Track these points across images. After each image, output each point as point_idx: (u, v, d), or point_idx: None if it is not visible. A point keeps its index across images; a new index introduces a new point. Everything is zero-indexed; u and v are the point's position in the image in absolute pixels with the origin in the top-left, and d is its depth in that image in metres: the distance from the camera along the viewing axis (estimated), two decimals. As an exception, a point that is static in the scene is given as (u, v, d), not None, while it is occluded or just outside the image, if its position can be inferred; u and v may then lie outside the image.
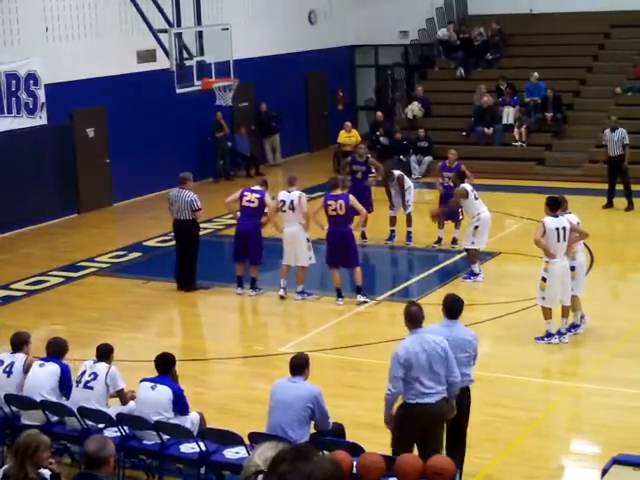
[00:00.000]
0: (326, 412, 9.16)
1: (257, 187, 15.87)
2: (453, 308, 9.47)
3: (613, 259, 17.45)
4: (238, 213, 15.98)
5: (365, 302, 15.31)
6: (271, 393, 9.29)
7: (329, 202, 15.23)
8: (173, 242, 17.09)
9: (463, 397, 9.37)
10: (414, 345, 8.83)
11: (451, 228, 17.88)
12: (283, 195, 15.66)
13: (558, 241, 13.01)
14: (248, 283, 15.96)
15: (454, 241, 17.95)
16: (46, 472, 7.29)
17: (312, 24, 28.91)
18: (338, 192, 15.27)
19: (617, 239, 19.32)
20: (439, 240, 18.10)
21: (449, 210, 17.15)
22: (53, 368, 10.12)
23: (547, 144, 25.29)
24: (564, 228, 13.05)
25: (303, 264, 15.57)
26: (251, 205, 15.65)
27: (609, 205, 20.65)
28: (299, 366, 9.21)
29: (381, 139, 25.78)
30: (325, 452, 8.46)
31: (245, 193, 15.75)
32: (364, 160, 19.00)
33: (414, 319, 8.95)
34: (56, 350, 10.26)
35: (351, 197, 15.29)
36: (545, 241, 12.99)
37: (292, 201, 15.47)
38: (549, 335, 13.29)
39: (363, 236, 18.36)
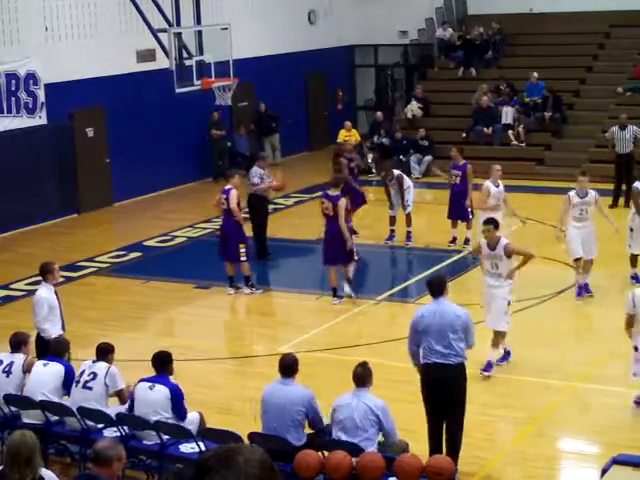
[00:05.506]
0: (320, 415, 9.18)
1: (227, 186, 16.05)
2: (430, 287, 9.91)
3: (616, 259, 17.39)
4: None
5: (350, 297, 15.26)
6: (262, 398, 9.27)
7: (322, 200, 15.38)
8: (173, 242, 17.18)
9: (457, 372, 9.46)
10: (349, 401, 8.94)
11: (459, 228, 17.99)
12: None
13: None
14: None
15: (467, 241, 17.96)
16: (46, 472, 7.29)
17: (312, 24, 28.89)
18: (332, 192, 15.32)
19: (621, 239, 19.26)
20: (454, 239, 18.12)
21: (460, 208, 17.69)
22: (57, 368, 10.13)
23: (547, 144, 25.28)
24: None
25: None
26: (224, 207, 15.90)
27: (614, 205, 20.49)
28: (289, 367, 9.21)
29: (383, 140, 25.78)
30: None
31: (221, 195, 15.97)
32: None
33: (358, 379, 8.99)
34: (60, 350, 10.30)
35: (340, 201, 15.15)
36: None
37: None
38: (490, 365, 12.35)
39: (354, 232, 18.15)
